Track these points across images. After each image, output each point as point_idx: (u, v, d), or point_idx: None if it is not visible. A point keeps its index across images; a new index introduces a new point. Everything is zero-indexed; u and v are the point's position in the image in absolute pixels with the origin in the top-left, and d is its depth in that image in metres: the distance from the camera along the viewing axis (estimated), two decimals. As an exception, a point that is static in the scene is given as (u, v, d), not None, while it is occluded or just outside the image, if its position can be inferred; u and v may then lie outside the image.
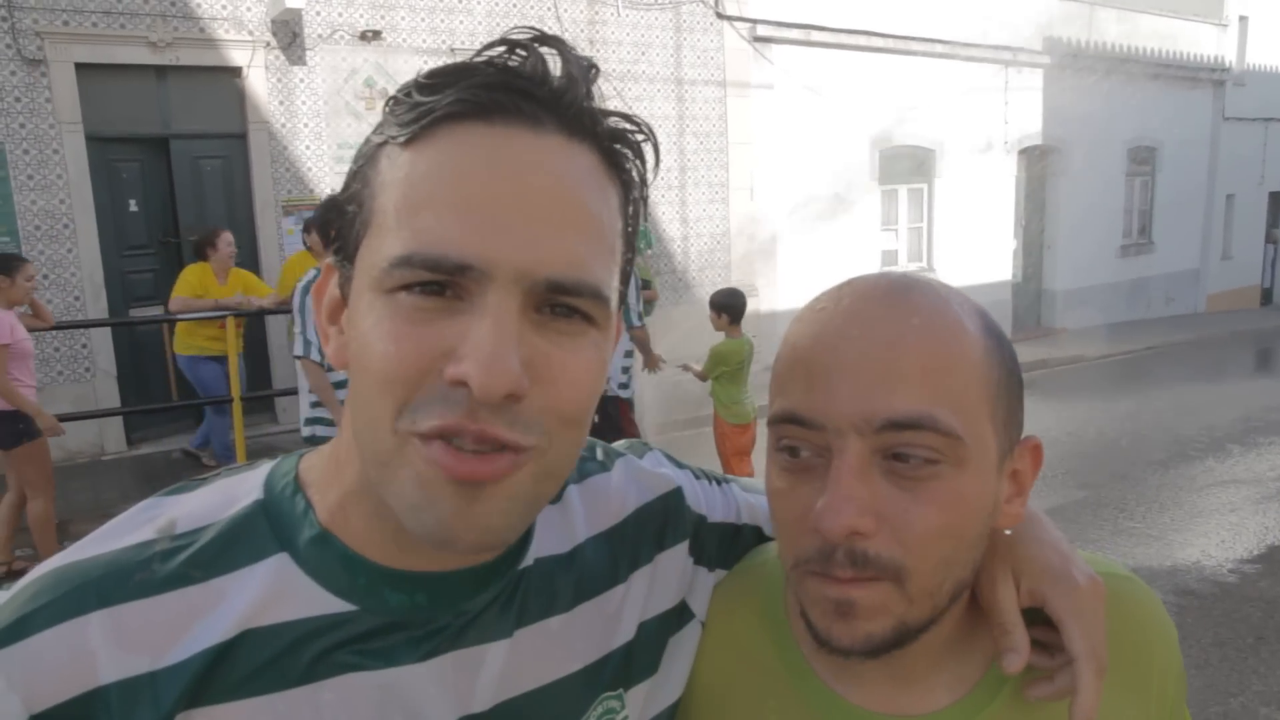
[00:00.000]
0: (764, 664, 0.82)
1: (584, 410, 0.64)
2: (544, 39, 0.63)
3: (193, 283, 6.98)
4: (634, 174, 0.69)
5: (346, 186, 0.66)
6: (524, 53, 0.62)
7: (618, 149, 0.67)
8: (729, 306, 5.84)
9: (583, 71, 0.64)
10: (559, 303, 0.61)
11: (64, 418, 7.15)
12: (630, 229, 0.69)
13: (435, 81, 0.62)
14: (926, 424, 0.65)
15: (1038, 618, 0.75)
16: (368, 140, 0.65)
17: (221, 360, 7.08)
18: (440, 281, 0.59)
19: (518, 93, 0.61)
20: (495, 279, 0.58)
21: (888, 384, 0.66)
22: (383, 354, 0.59)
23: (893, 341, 0.67)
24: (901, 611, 0.69)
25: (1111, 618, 0.76)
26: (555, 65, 0.63)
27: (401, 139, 0.62)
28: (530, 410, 0.60)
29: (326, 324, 0.70)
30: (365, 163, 0.65)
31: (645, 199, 0.71)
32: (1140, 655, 0.79)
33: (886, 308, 0.69)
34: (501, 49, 0.63)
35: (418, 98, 0.62)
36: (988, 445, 0.69)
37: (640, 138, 0.68)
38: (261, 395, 8.32)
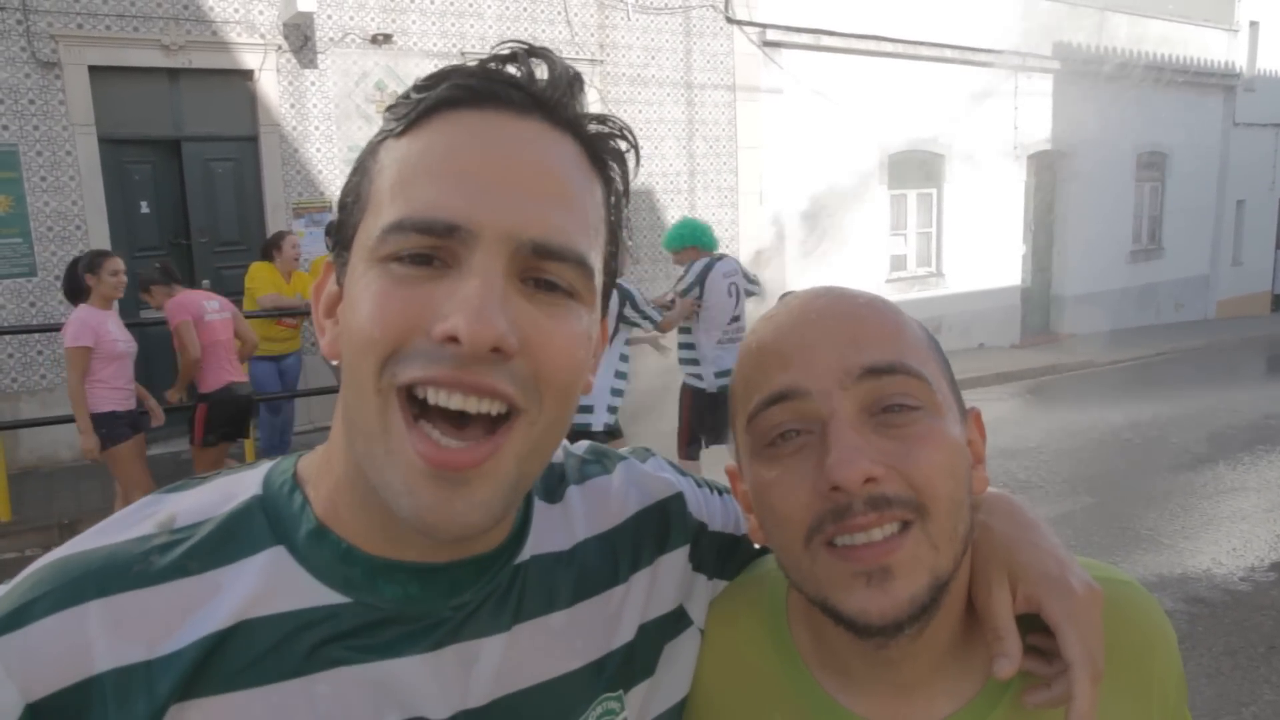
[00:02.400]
0: (767, 675, 0.83)
1: (571, 379, 0.65)
2: (533, 51, 0.68)
3: (271, 280, 7.14)
4: (615, 175, 0.72)
5: (347, 183, 0.69)
6: (515, 64, 0.67)
7: (599, 149, 0.70)
8: None
9: (567, 75, 0.68)
10: (544, 273, 0.63)
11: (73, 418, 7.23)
12: (613, 222, 0.72)
13: (429, 81, 0.66)
14: (899, 368, 0.71)
15: (1037, 624, 0.75)
16: (369, 141, 0.69)
17: (274, 360, 7.24)
18: (429, 251, 0.61)
19: (505, 83, 0.66)
20: (482, 239, 0.60)
21: (857, 343, 0.72)
22: (368, 315, 0.61)
23: (849, 315, 0.75)
24: (932, 561, 0.70)
25: (1111, 622, 0.76)
26: (543, 74, 0.68)
27: (398, 130, 0.66)
28: (521, 370, 0.61)
29: (323, 318, 0.71)
30: (365, 158, 0.68)
31: (627, 198, 0.74)
32: (1141, 660, 0.79)
33: (834, 297, 0.77)
34: (493, 63, 0.67)
35: (414, 96, 0.66)
36: (947, 398, 0.75)
37: (623, 145, 0.72)
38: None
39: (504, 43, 0.68)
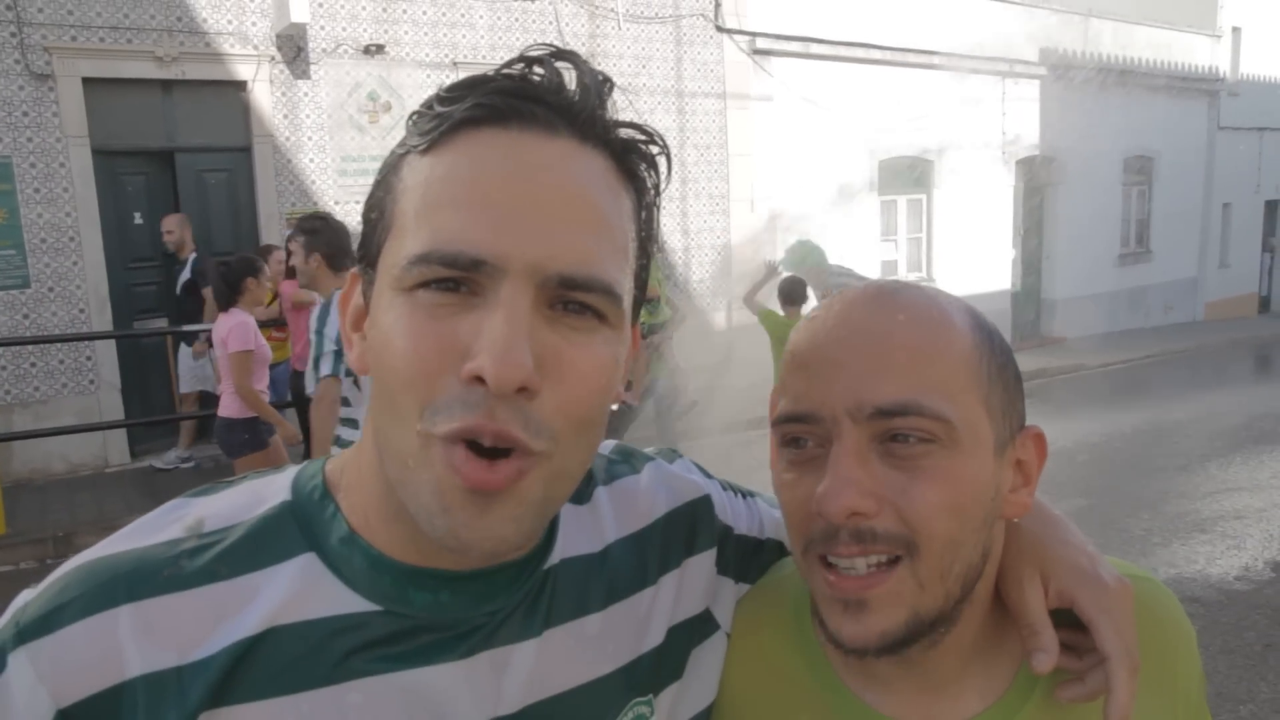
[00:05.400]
0: (793, 677, 0.83)
1: (595, 409, 0.64)
2: (560, 54, 0.66)
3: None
4: (647, 182, 0.71)
5: (371, 196, 0.68)
6: (541, 69, 0.65)
7: (630, 157, 0.69)
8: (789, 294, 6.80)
9: (597, 83, 0.66)
10: (571, 299, 0.62)
11: (68, 430, 7.20)
12: (644, 235, 0.71)
13: (454, 94, 0.64)
14: (913, 409, 0.68)
15: (1063, 620, 0.75)
16: (392, 152, 0.68)
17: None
18: (456, 278, 0.60)
19: (532, 99, 0.64)
20: (509, 273, 0.60)
21: (876, 374, 0.69)
22: (403, 351, 0.60)
23: (880, 336, 0.71)
24: (914, 600, 0.70)
25: (1135, 619, 0.76)
26: (571, 80, 0.66)
27: (421, 147, 0.64)
28: (542, 410, 0.61)
29: (350, 331, 0.71)
30: (388, 172, 0.67)
31: (658, 207, 0.73)
32: (1165, 656, 0.80)
33: (874, 309, 0.73)
34: (520, 65, 0.65)
35: (438, 109, 0.65)
36: (981, 430, 0.71)
37: (655, 149, 0.70)
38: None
39: (534, 45, 0.66)
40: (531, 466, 0.61)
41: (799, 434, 0.73)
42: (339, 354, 3.84)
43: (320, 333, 3.91)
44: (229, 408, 5.17)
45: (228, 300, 5.22)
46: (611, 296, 0.64)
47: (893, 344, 0.70)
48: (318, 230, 4.22)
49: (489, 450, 0.60)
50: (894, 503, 0.68)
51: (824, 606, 0.73)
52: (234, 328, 5.10)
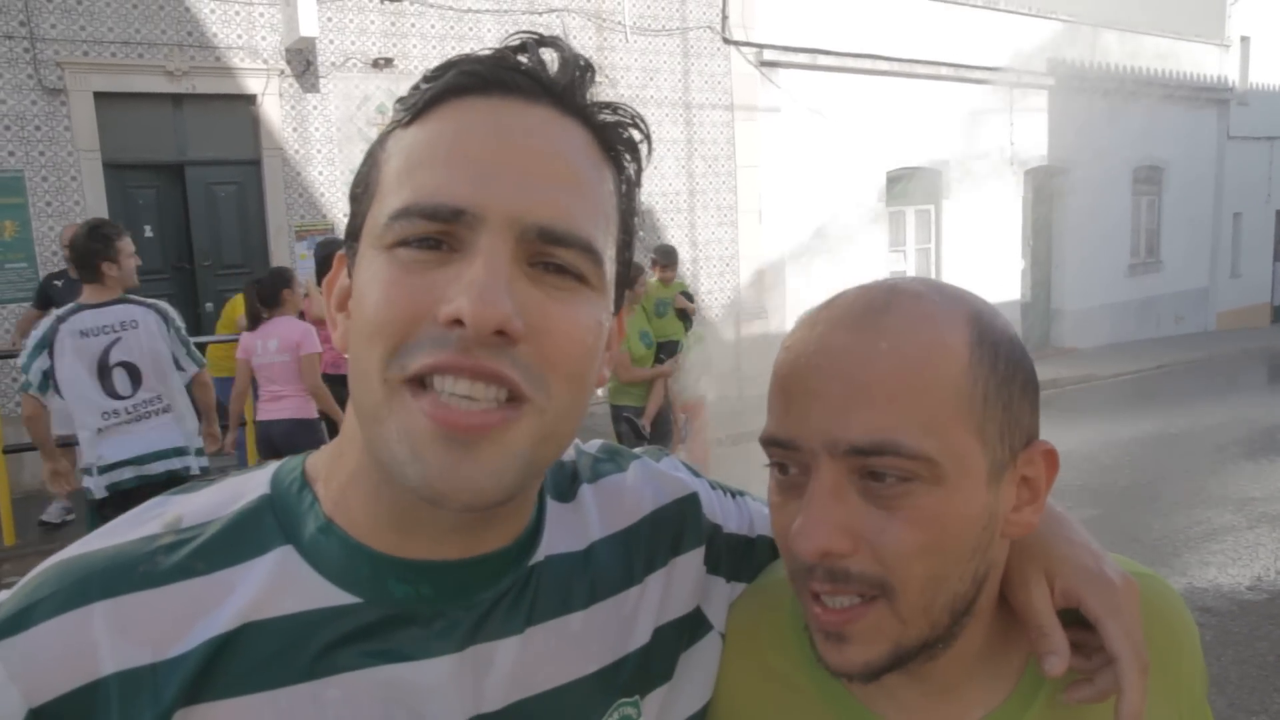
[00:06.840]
0: (792, 681, 0.81)
1: (581, 364, 0.64)
2: (544, 40, 0.67)
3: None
4: (627, 159, 0.71)
5: (356, 174, 0.70)
6: (525, 53, 0.66)
7: (610, 134, 0.69)
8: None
9: (579, 64, 0.67)
10: (551, 256, 0.62)
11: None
12: (625, 210, 0.71)
13: (438, 71, 0.66)
14: (889, 449, 0.65)
15: (1068, 619, 0.74)
16: (379, 134, 0.69)
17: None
18: (436, 236, 0.60)
19: (514, 70, 0.65)
20: (488, 223, 0.60)
21: (852, 410, 0.66)
22: (375, 301, 0.60)
23: (858, 367, 0.67)
24: (896, 634, 0.68)
25: (1141, 616, 0.75)
26: (554, 63, 0.67)
27: (405, 120, 0.66)
28: (527, 356, 0.60)
29: (335, 311, 0.71)
30: (374, 148, 0.68)
31: (639, 184, 0.73)
32: (1170, 654, 0.79)
33: (856, 334, 0.69)
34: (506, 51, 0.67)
35: (422, 86, 0.66)
36: (971, 460, 0.68)
37: (636, 135, 0.71)
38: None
39: (515, 33, 0.67)
40: (520, 416, 0.60)
41: (781, 459, 0.72)
42: (45, 374, 4.06)
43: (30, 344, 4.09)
44: (301, 409, 5.34)
45: (263, 313, 5.44)
46: (591, 254, 0.64)
47: (872, 376, 0.66)
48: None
49: (464, 397, 0.59)
50: (871, 542, 0.66)
51: (812, 631, 0.72)
52: (305, 332, 5.34)
